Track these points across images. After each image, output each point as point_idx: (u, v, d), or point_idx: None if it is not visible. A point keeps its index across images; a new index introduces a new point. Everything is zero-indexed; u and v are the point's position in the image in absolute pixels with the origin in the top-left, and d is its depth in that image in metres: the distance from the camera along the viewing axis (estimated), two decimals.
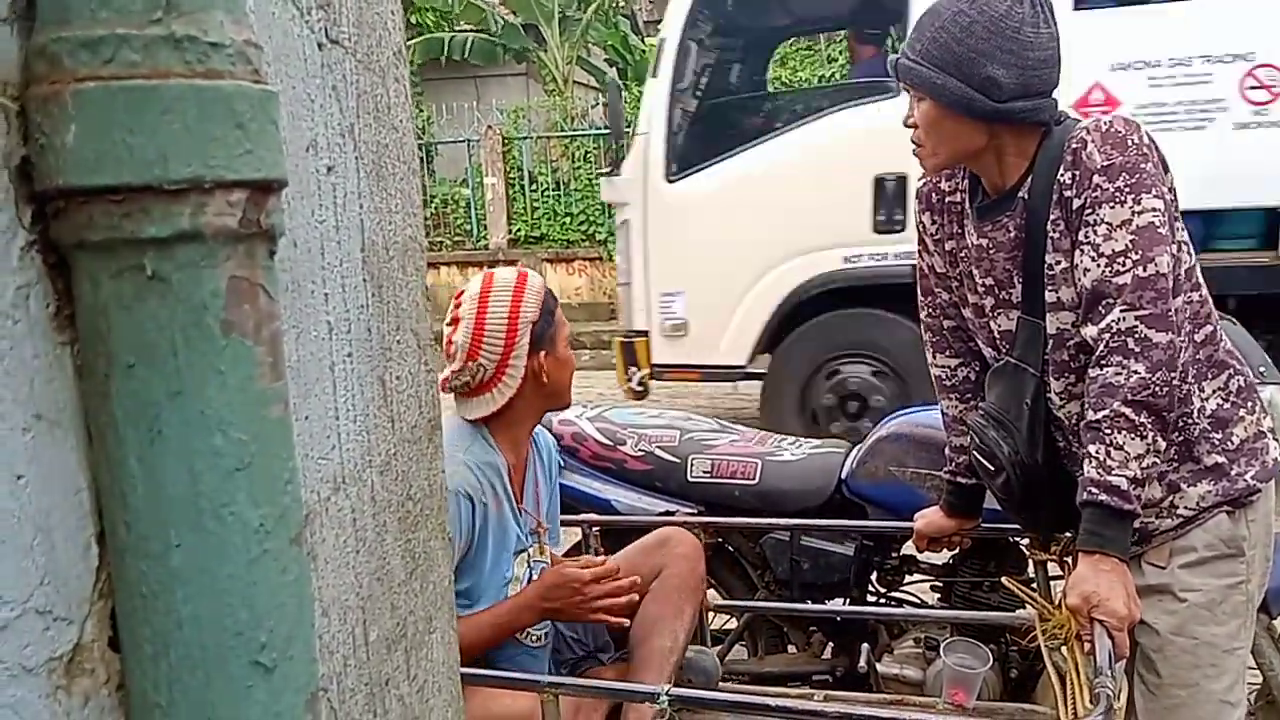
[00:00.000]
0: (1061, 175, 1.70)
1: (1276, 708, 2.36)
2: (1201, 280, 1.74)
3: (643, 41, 14.25)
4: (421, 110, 13.13)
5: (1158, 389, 1.59)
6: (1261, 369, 2.10)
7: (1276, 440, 1.81)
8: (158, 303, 0.45)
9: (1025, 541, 2.32)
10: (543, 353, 1.99)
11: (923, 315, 2.14)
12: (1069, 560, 2.03)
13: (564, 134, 12.91)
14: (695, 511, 2.74)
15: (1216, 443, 1.74)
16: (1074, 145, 1.68)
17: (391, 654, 0.76)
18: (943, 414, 2.19)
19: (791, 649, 2.82)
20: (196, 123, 0.44)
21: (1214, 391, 1.75)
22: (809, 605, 2.66)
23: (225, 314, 0.46)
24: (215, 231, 0.45)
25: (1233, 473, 1.73)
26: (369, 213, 0.67)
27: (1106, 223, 1.63)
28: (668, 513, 2.73)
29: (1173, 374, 1.60)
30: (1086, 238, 1.66)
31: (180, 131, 0.43)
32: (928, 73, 1.71)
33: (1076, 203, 1.68)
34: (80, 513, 0.49)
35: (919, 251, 2.08)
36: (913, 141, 1.82)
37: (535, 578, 2.12)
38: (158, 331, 0.45)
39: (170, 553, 0.48)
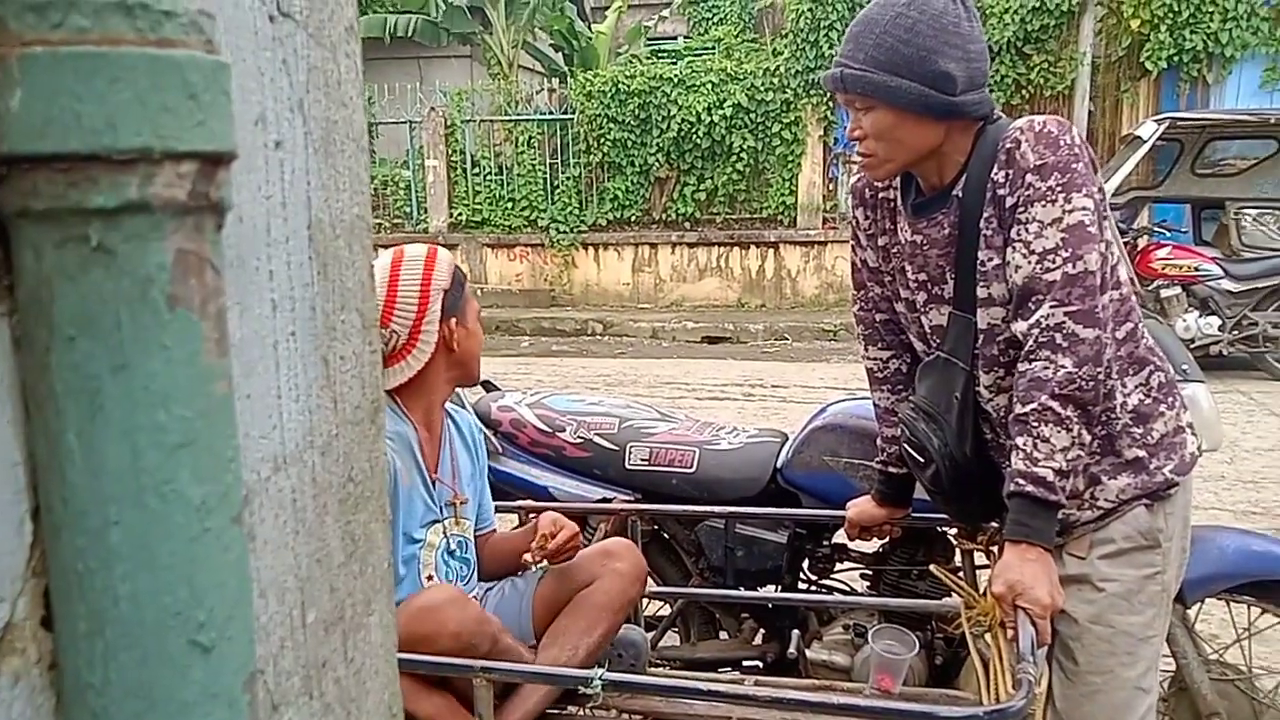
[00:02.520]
0: (995, 174, 1.73)
1: (1189, 695, 2.45)
2: (1124, 278, 1.79)
3: (589, 28, 14.18)
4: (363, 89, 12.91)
5: (1084, 384, 1.63)
6: (1184, 367, 2.17)
7: (1194, 435, 1.87)
8: (102, 274, 0.44)
9: (953, 531, 2.37)
10: (453, 320, 2.04)
11: (855, 309, 2.18)
12: (995, 550, 2.08)
13: (508, 118, 12.81)
14: (633, 499, 2.75)
15: (1137, 437, 1.79)
16: (1008, 144, 1.71)
17: (329, 636, 0.75)
18: (875, 405, 2.22)
19: (723, 635, 2.86)
20: (147, 92, 0.43)
21: (1135, 387, 1.80)
22: (741, 592, 2.69)
23: (171, 287, 0.45)
24: (163, 203, 0.44)
25: (1152, 466, 1.79)
26: (316, 189, 0.66)
27: (1038, 221, 1.67)
28: (605, 500, 2.74)
29: (1099, 369, 1.64)
30: (1018, 235, 1.70)
31: (130, 100, 0.42)
32: (880, 78, 1.71)
33: (1009, 201, 1.71)
34: (15, 487, 0.48)
35: (852, 246, 2.11)
36: (859, 154, 1.83)
37: (452, 550, 2.12)
38: (101, 303, 0.44)
39: (109, 529, 0.47)
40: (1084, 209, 1.66)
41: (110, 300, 0.44)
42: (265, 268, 0.61)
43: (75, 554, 0.48)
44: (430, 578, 2.06)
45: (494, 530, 2.35)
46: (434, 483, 2.12)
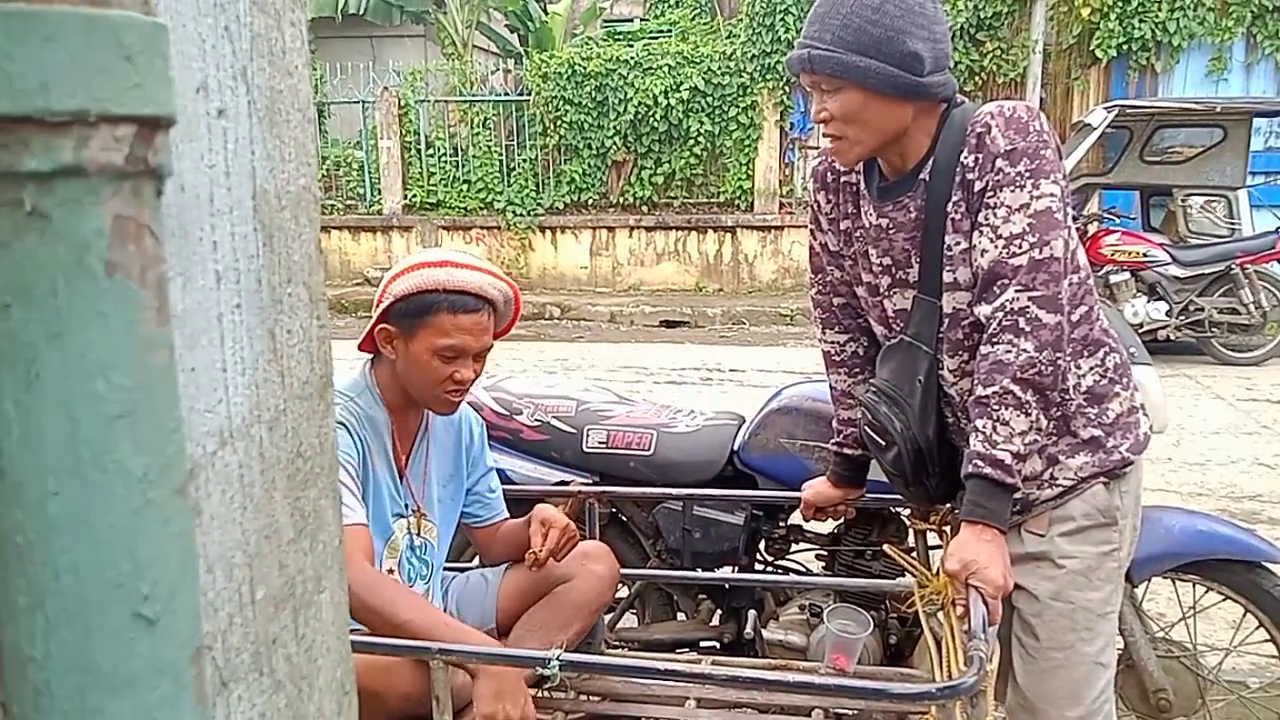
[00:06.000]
0: (965, 157, 1.74)
1: (1136, 672, 2.50)
2: (1082, 262, 1.82)
3: (544, 9, 14.08)
4: (315, 69, 12.73)
5: (1043, 368, 1.65)
6: (1132, 350, 2.20)
7: (1146, 415, 1.90)
8: (37, 240, 0.43)
9: (906, 512, 2.40)
10: (393, 328, 1.96)
11: (812, 292, 2.18)
12: (948, 530, 2.10)
13: (463, 99, 12.69)
14: (590, 481, 2.75)
15: (1092, 417, 1.82)
16: (978, 129, 1.72)
17: (279, 613, 0.74)
18: (831, 388, 2.24)
19: (681, 616, 2.87)
20: (81, 52, 0.42)
21: (1090, 369, 1.83)
22: (698, 573, 2.71)
23: (109, 254, 0.44)
24: (99, 167, 0.43)
25: (1109, 445, 1.82)
26: (261, 160, 0.65)
27: (1006, 205, 1.68)
28: (563, 483, 2.74)
29: (1058, 354, 1.66)
30: (986, 219, 1.71)
31: (64, 60, 0.41)
32: (849, 58, 1.70)
33: (978, 185, 1.72)
34: None
35: (811, 230, 2.12)
36: (827, 136, 1.82)
37: (416, 549, 2.11)
38: (37, 270, 0.43)
39: (47, 501, 0.46)
40: (1051, 195, 1.68)
41: (46, 266, 0.43)
42: (209, 238, 0.60)
43: (14, 526, 0.47)
44: (391, 571, 2.05)
45: (505, 519, 2.34)
46: (401, 478, 2.09)
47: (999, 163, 1.69)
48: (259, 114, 0.65)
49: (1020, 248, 1.67)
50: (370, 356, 2.09)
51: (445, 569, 2.30)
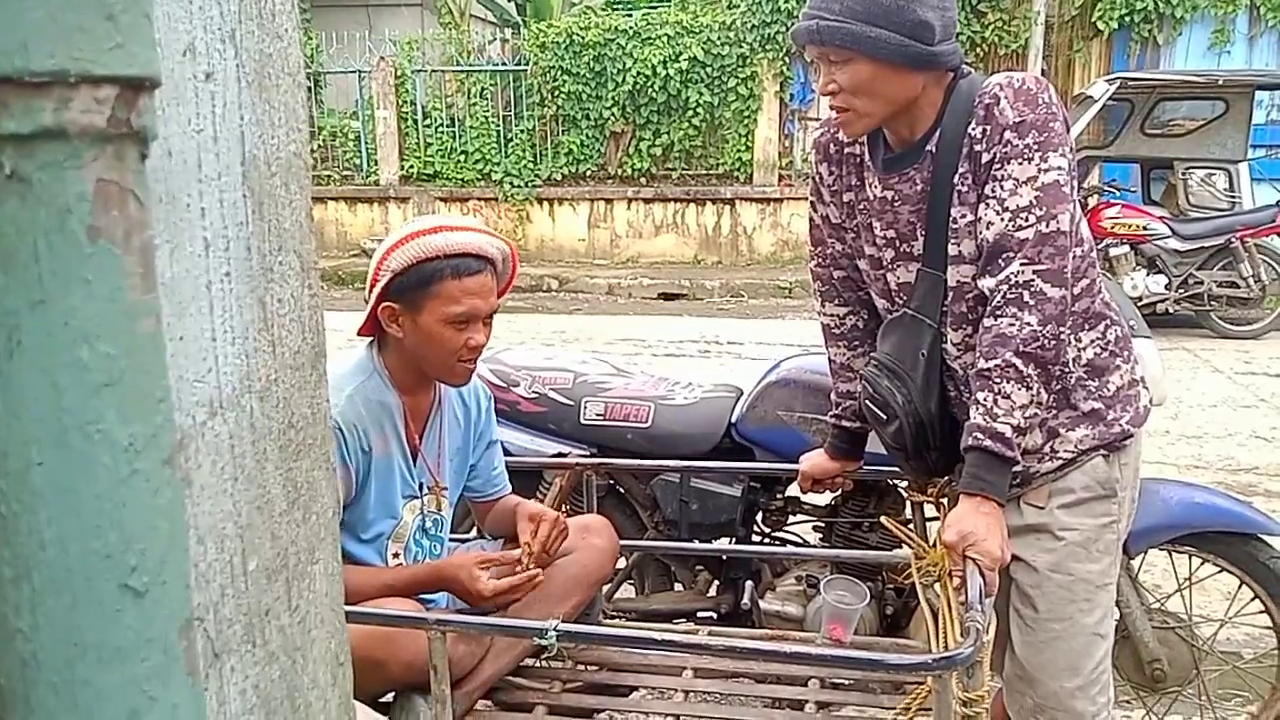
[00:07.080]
0: (972, 129, 1.72)
1: (1131, 642, 2.51)
2: (1085, 235, 1.80)
3: None
4: (310, 38, 12.62)
5: (1046, 342, 1.65)
6: (1132, 323, 2.20)
7: (1146, 389, 1.90)
8: (18, 204, 0.42)
9: (904, 484, 2.40)
10: (396, 306, 1.92)
11: (812, 265, 2.17)
12: (945, 502, 2.10)
13: (460, 69, 12.59)
14: (588, 454, 2.75)
15: (1093, 390, 1.82)
16: (986, 100, 1.70)
17: (272, 584, 0.74)
18: (830, 361, 2.23)
19: (678, 587, 2.88)
20: (61, 11, 0.41)
21: (1091, 341, 1.82)
22: (696, 545, 2.71)
23: (92, 219, 0.43)
24: (81, 130, 0.42)
25: (1109, 418, 1.81)
26: (250, 124, 0.64)
27: (1013, 178, 1.67)
28: (560, 455, 2.74)
29: (1061, 328, 1.66)
30: (992, 192, 1.69)
31: (43, 19, 0.40)
32: (860, 29, 1.67)
33: (985, 157, 1.70)
34: None
35: (812, 202, 2.10)
36: (834, 109, 1.80)
37: (428, 529, 2.10)
38: (18, 235, 0.42)
39: (32, 471, 0.45)
40: (1059, 168, 1.66)
41: (27, 231, 0.42)
42: (197, 205, 0.59)
43: None
44: (396, 555, 2.04)
45: (508, 493, 2.33)
46: (414, 457, 2.07)
47: (1007, 135, 1.67)
48: (248, 78, 0.63)
49: (1027, 221, 1.65)
50: (371, 339, 2.06)
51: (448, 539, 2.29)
